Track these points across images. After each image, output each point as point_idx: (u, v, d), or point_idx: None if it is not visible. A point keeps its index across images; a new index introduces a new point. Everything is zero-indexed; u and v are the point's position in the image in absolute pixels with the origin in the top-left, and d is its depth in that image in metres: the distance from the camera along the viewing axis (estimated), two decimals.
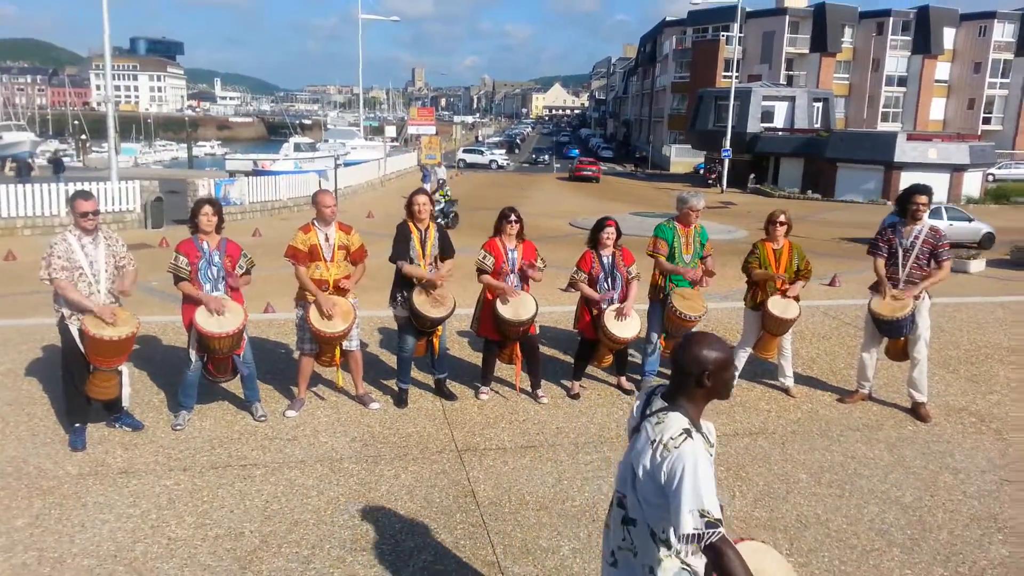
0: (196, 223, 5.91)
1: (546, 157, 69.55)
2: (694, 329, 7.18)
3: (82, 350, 5.48)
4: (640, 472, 2.54)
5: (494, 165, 60.81)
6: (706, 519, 2.33)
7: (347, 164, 37.54)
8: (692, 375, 2.53)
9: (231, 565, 4.23)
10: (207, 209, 5.90)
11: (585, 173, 50.00)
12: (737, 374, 7.22)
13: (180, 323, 6.83)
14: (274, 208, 26.01)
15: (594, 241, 6.85)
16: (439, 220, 15.90)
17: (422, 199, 6.50)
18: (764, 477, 5.42)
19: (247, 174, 31.90)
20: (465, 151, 64.25)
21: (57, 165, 34.23)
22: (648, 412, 2.62)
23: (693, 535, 2.34)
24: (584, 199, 35.81)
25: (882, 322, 6.57)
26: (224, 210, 6.45)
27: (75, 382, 5.58)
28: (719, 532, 2.35)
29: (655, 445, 2.49)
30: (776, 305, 6.77)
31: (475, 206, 27.21)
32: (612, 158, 76.87)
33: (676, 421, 2.51)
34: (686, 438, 2.45)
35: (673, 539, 2.51)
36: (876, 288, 6.76)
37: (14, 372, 7.13)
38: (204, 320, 5.75)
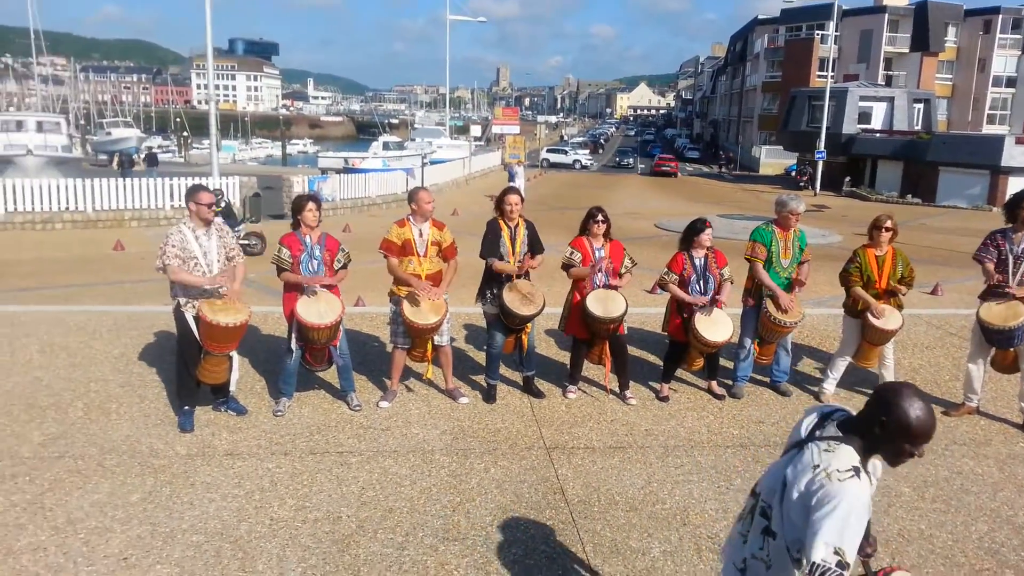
0: (300, 218, 6.11)
1: (631, 160, 66.77)
2: (790, 336, 7.01)
3: (196, 336, 5.77)
4: (792, 490, 2.48)
5: (578, 165, 60.63)
6: (839, 557, 2.27)
7: (433, 163, 38.12)
8: (873, 414, 2.43)
9: (330, 548, 4.38)
10: (311, 205, 6.11)
11: (664, 169, 55.50)
12: (836, 383, 7.01)
13: (279, 313, 7.10)
14: (363, 205, 26.65)
15: (686, 242, 6.76)
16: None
17: (514, 198, 6.55)
18: None
19: (338, 171, 32.80)
20: (549, 151, 64.23)
21: (151, 160, 36.20)
22: (819, 434, 2.53)
23: (819, 565, 2.28)
24: (670, 200, 35.32)
25: (992, 331, 6.26)
26: None
27: (187, 366, 5.88)
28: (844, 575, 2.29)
29: (817, 470, 2.41)
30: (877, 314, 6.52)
31: (560, 205, 27.23)
32: (699, 159, 75.30)
33: (847, 456, 2.42)
34: (854, 476, 2.36)
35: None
36: (985, 296, 6.45)
37: (126, 356, 7.54)
38: (304, 311, 5.95)
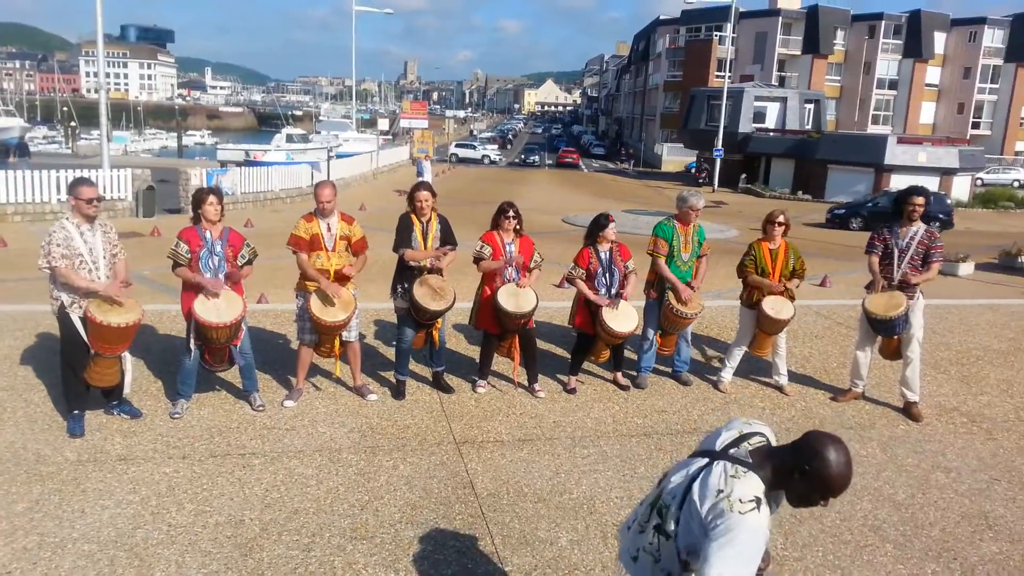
0: (200, 212, 5.88)
1: (536, 157, 66.15)
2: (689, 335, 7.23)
3: (83, 338, 5.46)
4: (693, 505, 2.48)
5: (486, 160, 60.84)
6: None
7: (339, 156, 37.45)
8: (797, 459, 2.43)
9: (232, 552, 4.25)
10: (212, 199, 5.88)
11: (567, 160, 61.15)
12: (732, 372, 7.28)
13: (175, 311, 6.84)
14: (266, 199, 25.92)
15: (592, 237, 6.88)
16: None
17: (424, 194, 6.51)
18: None
19: (239, 164, 31.79)
20: (458, 145, 64.24)
21: (21, 150, 34.23)
22: (732, 452, 2.53)
23: None
24: (577, 196, 35.85)
25: (876, 321, 6.64)
26: None
27: (74, 369, 5.57)
28: None
29: (720, 495, 2.41)
30: (771, 305, 6.83)
31: (469, 200, 27.21)
32: (604, 155, 76.54)
33: (752, 485, 2.41)
34: (754, 508, 2.36)
35: None
36: (870, 288, 6.83)
37: (10, 359, 7.10)
38: (203, 310, 5.74)
